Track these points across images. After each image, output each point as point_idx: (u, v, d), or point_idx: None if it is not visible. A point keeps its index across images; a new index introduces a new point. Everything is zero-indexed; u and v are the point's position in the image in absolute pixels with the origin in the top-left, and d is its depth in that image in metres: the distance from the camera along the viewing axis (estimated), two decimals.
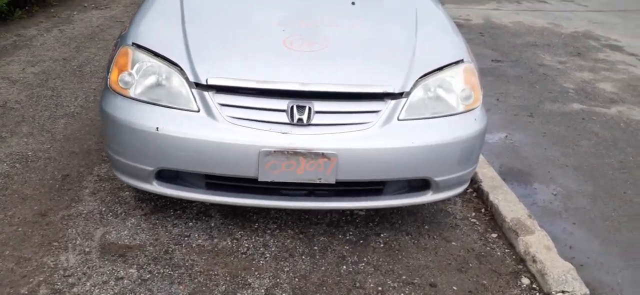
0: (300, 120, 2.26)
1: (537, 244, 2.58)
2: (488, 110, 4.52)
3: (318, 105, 2.29)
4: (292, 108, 2.27)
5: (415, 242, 2.68)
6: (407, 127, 2.36)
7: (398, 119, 2.36)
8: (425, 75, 2.46)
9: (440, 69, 2.51)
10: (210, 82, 2.27)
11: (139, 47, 2.43)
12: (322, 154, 2.24)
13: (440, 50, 2.68)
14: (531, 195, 3.25)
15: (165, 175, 2.40)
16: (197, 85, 2.29)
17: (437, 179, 2.45)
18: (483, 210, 3.00)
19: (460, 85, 2.51)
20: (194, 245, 2.51)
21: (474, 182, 3.19)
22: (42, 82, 4.35)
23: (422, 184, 2.50)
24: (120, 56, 2.45)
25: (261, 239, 2.59)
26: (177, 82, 2.32)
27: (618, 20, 8.07)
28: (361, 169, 2.32)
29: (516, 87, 5.05)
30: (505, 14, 8.10)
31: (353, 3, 3.03)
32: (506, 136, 4.02)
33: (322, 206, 2.48)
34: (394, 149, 2.32)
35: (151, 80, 2.35)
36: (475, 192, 3.16)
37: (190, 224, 2.66)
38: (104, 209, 2.74)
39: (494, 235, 2.78)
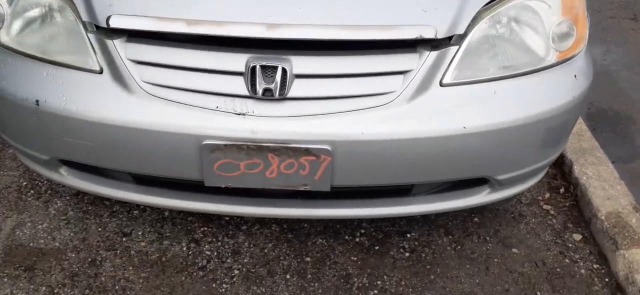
0: (268, 91, 1.34)
1: None
2: None
3: (299, 65, 1.35)
4: (253, 70, 1.34)
5: (458, 248, 1.81)
6: (456, 98, 1.40)
7: (441, 84, 1.40)
8: (492, 1, 1.44)
9: None
10: (113, 25, 1.35)
11: None
12: (306, 149, 1.35)
13: None
14: (635, 158, 2.25)
15: (78, 163, 1.58)
16: (98, 28, 1.38)
17: (500, 177, 1.53)
18: (562, 189, 2.06)
19: (555, 15, 1.47)
20: (133, 252, 1.75)
21: None
22: None
23: (474, 181, 1.59)
24: None
25: (231, 242, 1.79)
26: (66, 21, 1.42)
27: None
28: (373, 170, 1.42)
29: None
30: None
31: None
32: (597, 53, 2.90)
33: (314, 214, 1.62)
34: (433, 139, 1.38)
35: (30, 15, 1.45)
36: None
37: (135, 212, 1.89)
38: (25, 182, 1.99)
39: (578, 237, 1.87)
